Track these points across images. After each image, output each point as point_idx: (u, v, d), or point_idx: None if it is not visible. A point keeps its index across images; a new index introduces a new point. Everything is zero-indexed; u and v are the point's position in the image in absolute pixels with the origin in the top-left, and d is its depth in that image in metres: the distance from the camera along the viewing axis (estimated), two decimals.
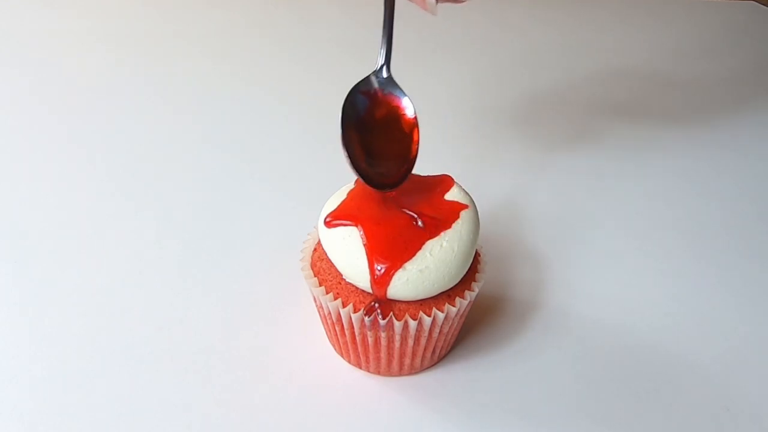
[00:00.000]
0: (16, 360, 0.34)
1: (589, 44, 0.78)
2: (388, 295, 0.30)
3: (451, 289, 0.32)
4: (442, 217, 0.31)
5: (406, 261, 0.30)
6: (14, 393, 0.32)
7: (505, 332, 0.38)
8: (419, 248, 0.30)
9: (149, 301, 0.38)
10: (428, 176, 0.35)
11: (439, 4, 0.34)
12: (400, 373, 0.34)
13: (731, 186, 0.53)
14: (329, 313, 0.32)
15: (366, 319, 0.31)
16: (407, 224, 0.31)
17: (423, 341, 0.32)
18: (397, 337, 0.31)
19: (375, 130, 0.33)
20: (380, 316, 0.30)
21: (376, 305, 0.31)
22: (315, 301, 0.34)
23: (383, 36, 0.34)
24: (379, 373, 0.34)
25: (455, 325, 0.33)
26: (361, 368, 0.35)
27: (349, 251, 0.30)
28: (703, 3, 0.94)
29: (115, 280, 0.39)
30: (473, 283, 0.33)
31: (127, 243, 0.42)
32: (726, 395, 0.35)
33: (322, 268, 0.33)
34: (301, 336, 0.36)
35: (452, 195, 0.33)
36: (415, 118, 0.33)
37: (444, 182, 0.34)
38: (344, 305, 0.31)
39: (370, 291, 0.30)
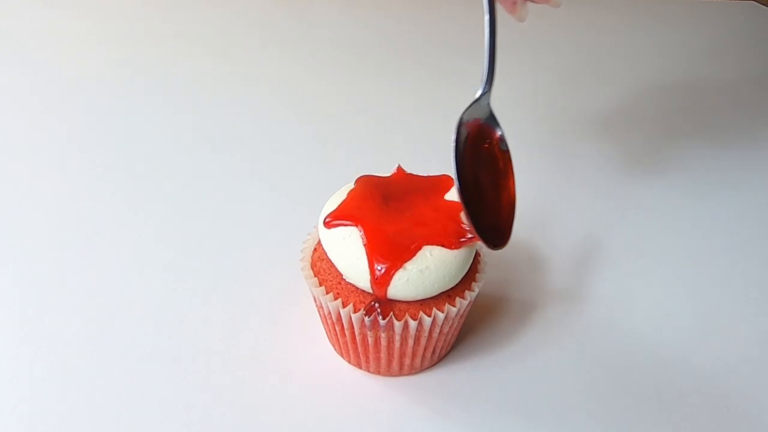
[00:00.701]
0: (16, 360, 0.34)
1: (587, 44, 0.78)
2: (388, 295, 0.30)
3: (451, 289, 0.32)
4: (438, 220, 0.31)
5: (406, 261, 0.30)
6: (14, 393, 0.32)
7: (505, 332, 0.38)
8: (419, 248, 0.30)
9: (149, 301, 0.38)
10: (428, 176, 0.35)
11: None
12: (400, 373, 0.34)
13: (731, 186, 0.53)
14: (329, 313, 0.32)
15: (366, 319, 0.31)
16: (407, 224, 0.31)
17: (423, 341, 0.32)
18: (397, 337, 0.31)
19: (484, 173, 0.31)
20: (380, 316, 0.30)
21: (376, 305, 0.31)
22: (315, 301, 0.34)
23: (488, 57, 0.31)
24: (379, 373, 0.34)
25: (455, 325, 0.33)
26: (361, 368, 0.35)
27: (350, 251, 0.30)
28: (703, 3, 0.94)
29: (115, 280, 0.39)
30: (473, 283, 0.33)
31: (127, 243, 0.42)
32: (726, 395, 0.35)
33: (322, 268, 0.33)
34: (301, 336, 0.36)
35: (452, 195, 0.33)
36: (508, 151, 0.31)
37: (444, 182, 0.34)
38: (344, 305, 0.31)
39: (370, 291, 0.30)
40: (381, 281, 0.30)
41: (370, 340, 0.32)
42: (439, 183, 0.34)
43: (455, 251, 0.31)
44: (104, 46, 0.69)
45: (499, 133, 0.32)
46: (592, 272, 0.43)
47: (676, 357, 0.37)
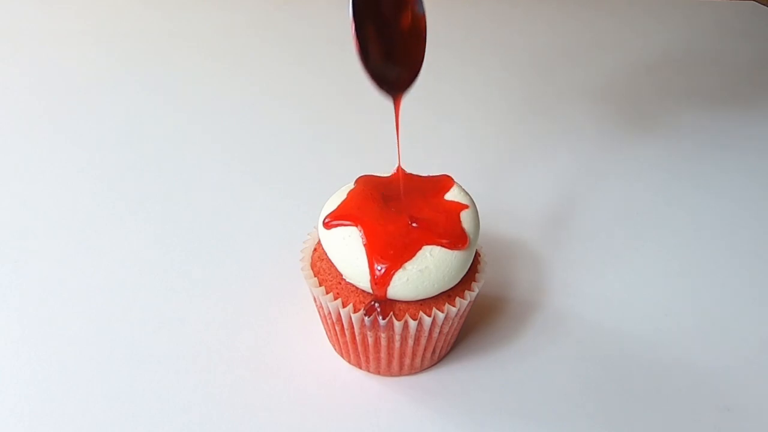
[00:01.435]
0: (16, 360, 0.34)
1: (587, 44, 0.78)
2: (388, 295, 0.30)
3: (451, 289, 0.32)
4: (438, 220, 0.31)
5: (406, 261, 0.30)
6: (14, 393, 0.32)
7: (505, 332, 0.38)
8: (419, 248, 0.30)
9: (149, 301, 0.38)
10: (428, 176, 0.35)
11: None
12: (400, 373, 0.34)
13: (731, 185, 0.53)
14: (329, 313, 0.32)
15: (366, 319, 0.31)
16: (407, 224, 0.31)
17: (423, 341, 0.32)
18: (397, 337, 0.31)
19: (388, 22, 0.28)
20: (380, 316, 0.30)
21: (376, 305, 0.31)
22: (315, 301, 0.34)
23: None
24: (379, 373, 0.34)
25: (455, 325, 0.33)
26: (361, 368, 0.35)
27: (349, 251, 0.30)
28: (703, 3, 0.94)
29: (115, 280, 0.39)
30: (473, 283, 0.33)
31: (127, 243, 0.42)
32: (726, 395, 0.35)
33: (322, 268, 0.33)
34: (301, 336, 0.36)
35: (452, 195, 0.33)
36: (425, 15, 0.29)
37: (444, 182, 0.34)
38: (344, 305, 0.31)
39: (370, 291, 0.30)
40: (381, 281, 0.30)
41: (370, 340, 0.32)
42: (439, 183, 0.34)
43: (455, 251, 0.31)
44: (104, 46, 0.69)
45: None
46: (592, 272, 0.43)
47: (676, 357, 0.37)
